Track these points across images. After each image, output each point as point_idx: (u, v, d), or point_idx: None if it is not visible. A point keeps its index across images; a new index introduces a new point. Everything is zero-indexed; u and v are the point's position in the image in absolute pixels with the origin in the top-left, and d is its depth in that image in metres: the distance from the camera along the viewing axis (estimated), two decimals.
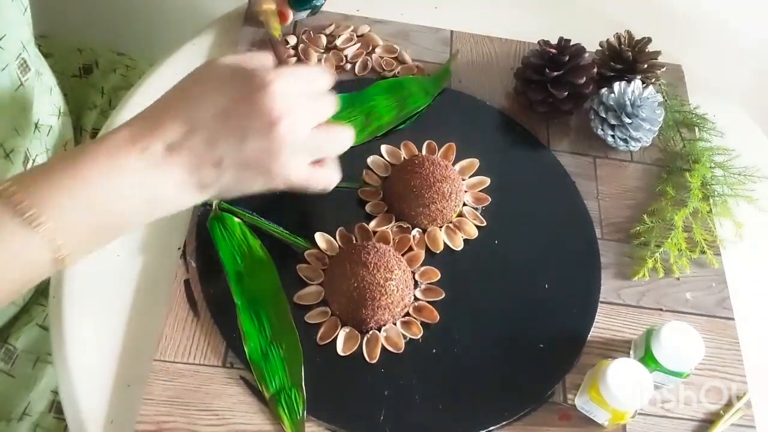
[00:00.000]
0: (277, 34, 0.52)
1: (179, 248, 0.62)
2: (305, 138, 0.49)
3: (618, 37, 0.78)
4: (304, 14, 0.76)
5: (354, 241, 0.64)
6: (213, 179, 0.48)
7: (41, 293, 0.70)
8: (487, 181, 0.69)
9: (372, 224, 0.65)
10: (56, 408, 0.66)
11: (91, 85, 0.82)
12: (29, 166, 0.64)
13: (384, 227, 0.65)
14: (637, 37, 0.77)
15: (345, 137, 0.54)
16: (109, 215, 0.46)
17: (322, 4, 0.75)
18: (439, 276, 0.63)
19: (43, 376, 0.67)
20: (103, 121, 0.74)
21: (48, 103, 0.68)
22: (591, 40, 0.77)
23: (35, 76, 0.65)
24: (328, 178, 0.55)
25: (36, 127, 0.65)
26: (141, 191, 0.46)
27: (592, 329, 0.63)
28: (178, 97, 0.49)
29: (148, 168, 0.46)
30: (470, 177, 0.70)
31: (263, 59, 0.51)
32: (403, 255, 0.63)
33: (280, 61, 0.52)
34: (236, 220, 0.63)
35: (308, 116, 0.49)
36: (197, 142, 0.47)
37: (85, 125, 0.79)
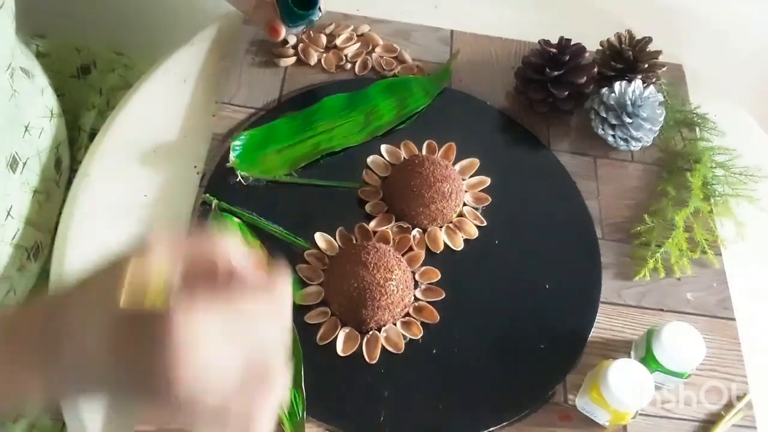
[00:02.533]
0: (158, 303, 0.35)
1: None
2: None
3: (618, 36, 0.77)
4: (298, 29, 0.73)
5: (354, 241, 0.64)
6: None
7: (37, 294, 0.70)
8: (487, 181, 0.69)
9: (372, 224, 0.65)
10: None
11: (90, 85, 0.81)
12: (19, 168, 0.63)
13: (384, 227, 0.65)
14: (638, 36, 0.77)
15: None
16: None
17: (319, 18, 0.71)
18: (439, 276, 0.63)
19: None
20: (101, 122, 0.73)
21: (40, 104, 0.68)
22: (591, 39, 0.77)
23: (26, 78, 0.65)
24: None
25: (26, 129, 0.64)
26: None
27: (593, 329, 0.63)
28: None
29: None
30: (470, 177, 0.69)
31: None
32: (403, 255, 0.63)
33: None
34: (236, 220, 0.63)
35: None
36: None
37: (83, 125, 0.79)
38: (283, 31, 0.70)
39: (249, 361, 0.35)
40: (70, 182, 0.72)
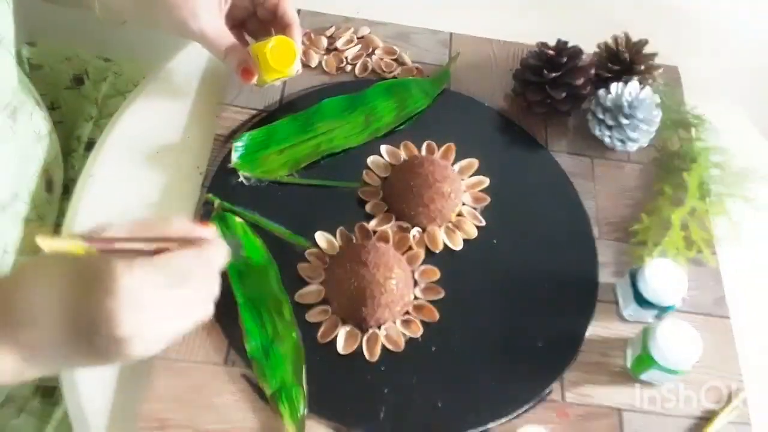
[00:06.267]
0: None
1: None
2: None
3: (615, 38, 0.78)
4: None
5: (354, 241, 0.64)
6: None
7: None
8: (486, 181, 0.70)
9: (372, 224, 0.65)
10: (42, 392, 0.65)
11: (84, 96, 0.81)
12: (9, 203, 0.62)
13: (384, 227, 0.65)
14: (634, 38, 0.78)
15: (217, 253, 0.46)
16: None
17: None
18: (439, 275, 0.63)
19: None
20: (97, 132, 0.73)
21: (30, 131, 0.65)
22: (589, 41, 0.77)
23: (19, 110, 0.62)
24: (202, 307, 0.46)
25: (17, 161, 0.63)
26: None
27: (590, 327, 0.63)
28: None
29: None
30: (469, 177, 0.70)
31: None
32: (402, 254, 0.63)
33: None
34: (237, 219, 0.64)
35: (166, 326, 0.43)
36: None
37: (81, 136, 0.78)
38: (255, 75, 0.65)
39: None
40: (66, 191, 0.71)
